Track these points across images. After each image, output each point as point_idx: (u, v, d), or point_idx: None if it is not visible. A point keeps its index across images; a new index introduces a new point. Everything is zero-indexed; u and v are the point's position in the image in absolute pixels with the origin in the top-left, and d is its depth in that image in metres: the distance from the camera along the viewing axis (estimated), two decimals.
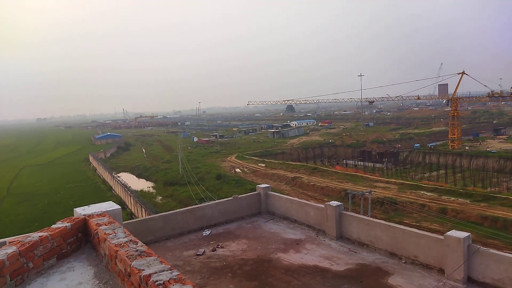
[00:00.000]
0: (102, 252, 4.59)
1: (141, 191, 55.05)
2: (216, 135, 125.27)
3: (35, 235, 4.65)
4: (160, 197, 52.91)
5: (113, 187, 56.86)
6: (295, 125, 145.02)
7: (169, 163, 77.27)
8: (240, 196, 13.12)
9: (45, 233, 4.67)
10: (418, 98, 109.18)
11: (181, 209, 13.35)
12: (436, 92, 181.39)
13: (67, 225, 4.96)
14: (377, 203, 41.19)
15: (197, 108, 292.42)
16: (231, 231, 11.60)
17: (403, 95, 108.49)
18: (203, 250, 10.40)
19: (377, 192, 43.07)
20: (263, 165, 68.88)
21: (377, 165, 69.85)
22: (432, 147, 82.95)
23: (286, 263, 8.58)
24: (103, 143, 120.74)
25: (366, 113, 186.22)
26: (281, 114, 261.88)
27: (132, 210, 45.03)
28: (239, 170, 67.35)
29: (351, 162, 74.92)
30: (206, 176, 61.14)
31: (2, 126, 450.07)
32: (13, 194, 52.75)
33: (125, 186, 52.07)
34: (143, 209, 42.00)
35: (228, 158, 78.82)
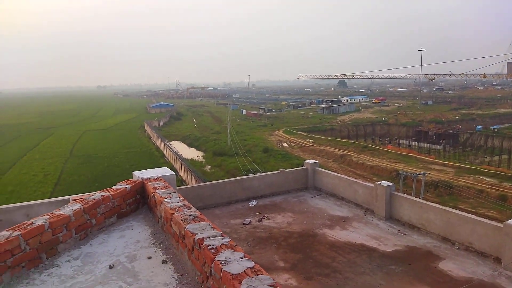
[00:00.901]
0: (158, 214, 4.85)
1: (191, 159, 57.10)
2: (264, 108, 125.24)
3: (98, 194, 5.01)
4: (209, 167, 54.60)
5: (165, 154, 59.50)
6: (347, 101, 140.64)
7: (218, 134, 79.00)
8: (287, 170, 13.16)
9: (107, 193, 5.01)
10: (484, 77, 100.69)
11: (229, 179, 13.74)
12: (505, 71, 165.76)
13: (126, 186, 5.28)
14: (431, 186, 39.39)
15: (246, 80, 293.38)
16: (277, 204, 11.74)
17: (467, 73, 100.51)
18: (250, 220, 10.68)
19: (431, 174, 41.12)
20: (310, 140, 68.18)
21: (434, 146, 66.29)
22: (495, 130, 76.80)
23: (331, 239, 8.56)
24: (157, 111, 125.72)
25: (425, 90, 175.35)
26: (332, 89, 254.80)
27: (183, 177, 47.04)
28: (286, 145, 67.29)
29: (404, 142, 71.72)
30: (253, 148, 61.86)
31: (66, 91, 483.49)
32: (76, 156, 57.06)
33: (176, 154, 54.27)
34: (192, 177, 43.72)
35: (276, 132, 78.84)
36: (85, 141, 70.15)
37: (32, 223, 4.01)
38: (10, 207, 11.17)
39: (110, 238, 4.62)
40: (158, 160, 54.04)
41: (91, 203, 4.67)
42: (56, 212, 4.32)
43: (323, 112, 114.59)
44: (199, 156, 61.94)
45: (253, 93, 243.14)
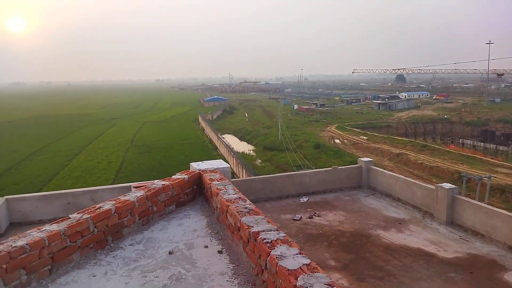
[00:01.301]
0: (214, 205, 4.99)
1: (243, 153, 57.95)
2: (316, 103, 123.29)
3: (158, 183, 5.27)
4: (260, 161, 55.08)
5: (218, 147, 60.99)
6: (405, 97, 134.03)
7: (269, 128, 79.27)
8: (340, 167, 12.89)
9: (167, 182, 5.25)
10: None
11: (280, 174, 13.75)
12: None
13: (185, 177, 5.50)
14: (497, 191, 36.46)
15: (299, 75, 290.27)
16: (328, 201, 11.56)
17: None
18: (300, 216, 10.62)
19: (497, 178, 38.05)
20: (365, 137, 66.06)
21: (501, 147, 61.18)
22: None
23: (386, 241, 8.26)
24: (211, 105, 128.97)
25: (492, 87, 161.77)
26: (389, 84, 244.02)
27: (234, 170, 47.99)
28: (339, 141, 65.83)
29: (469, 142, 66.92)
30: (304, 144, 61.30)
31: (128, 85, 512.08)
32: (136, 146, 60.31)
33: (228, 147, 55.41)
34: (243, 170, 44.40)
35: (328, 128, 77.36)
36: (145, 132, 73.90)
37: (100, 207, 4.32)
38: (77, 191, 12.14)
39: (170, 225, 4.85)
40: (211, 152, 55.52)
41: (153, 191, 4.93)
42: (122, 198, 4.62)
43: (379, 108, 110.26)
44: (250, 150, 62.67)
45: (305, 88, 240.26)
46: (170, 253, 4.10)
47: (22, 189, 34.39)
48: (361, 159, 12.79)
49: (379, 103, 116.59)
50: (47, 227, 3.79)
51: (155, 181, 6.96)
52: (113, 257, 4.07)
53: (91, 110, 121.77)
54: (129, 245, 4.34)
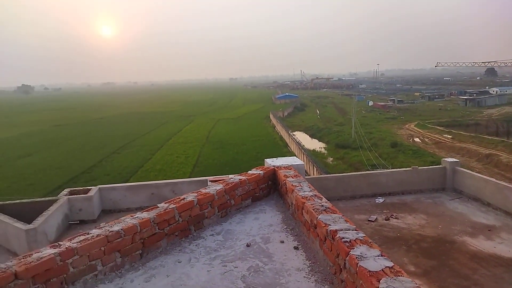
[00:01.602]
0: (289, 201, 5.04)
1: (313, 150, 57.29)
2: (393, 99, 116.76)
3: (235, 178, 5.46)
4: (331, 159, 53.95)
5: (288, 144, 61.09)
6: (496, 92, 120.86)
7: (341, 126, 77.21)
8: (421, 168, 12.16)
9: (244, 177, 5.43)
10: None
11: (354, 173, 13.35)
12: None
13: (260, 172, 5.63)
14: None
15: (374, 70, 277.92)
16: (407, 203, 10.97)
17: None
18: (375, 217, 10.24)
19: None
20: (449, 136, 60.99)
21: None
22: None
23: (473, 248, 7.60)
24: (282, 102, 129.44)
25: None
26: (478, 78, 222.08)
27: (305, 168, 47.58)
28: (419, 140, 61.68)
29: None
30: (379, 142, 58.57)
31: (203, 84, 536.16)
32: (211, 142, 62.96)
33: (299, 144, 55.19)
34: (314, 168, 43.91)
35: (406, 126, 72.89)
36: (219, 129, 76.85)
37: (184, 198, 4.63)
38: (160, 183, 13.10)
39: (246, 219, 5.01)
40: (281, 149, 55.81)
41: (231, 185, 5.13)
42: (203, 191, 4.89)
43: (466, 104, 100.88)
44: (321, 148, 61.69)
45: (381, 83, 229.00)
46: (247, 245, 4.25)
47: (112, 180, 38.06)
48: (446, 159, 11.90)
49: (466, 99, 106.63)
50: (139, 214, 4.16)
51: (232, 175, 7.20)
52: (196, 245, 4.34)
53: (171, 107, 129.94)
54: (210, 235, 4.58)
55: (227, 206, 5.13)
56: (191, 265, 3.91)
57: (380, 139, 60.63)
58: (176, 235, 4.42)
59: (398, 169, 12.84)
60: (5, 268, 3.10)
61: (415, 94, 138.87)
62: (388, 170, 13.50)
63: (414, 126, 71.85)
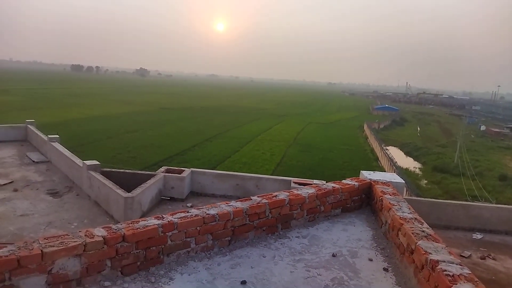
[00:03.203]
0: (383, 219, 4.77)
1: (406, 169, 53.49)
2: (511, 127, 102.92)
3: (329, 185, 5.35)
4: (426, 181, 49.74)
5: (379, 158, 58.04)
6: None
7: (443, 148, 70.67)
8: None
9: (337, 186, 5.29)
10: None
11: (453, 201, 12.29)
12: None
13: (355, 183, 5.43)
14: None
15: (493, 92, 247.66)
16: (510, 246, 9.72)
17: None
18: (470, 253, 9.34)
19: None
20: None
21: None
22: None
23: None
24: (380, 114, 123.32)
25: None
26: None
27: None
28: None
29: None
30: (486, 172, 52.22)
31: (301, 85, 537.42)
32: (298, 144, 62.91)
33: (391, 160, 52.04)
34: (404, 189, 41.02)
35: None
36: (308, 132, 76.45)
37: (276, 195, 4.68)
38: (245, 176, 13.53)
39: (334, 228, 4.88)
40: (371, 162, 53.27)
41: (323, 191, 5.04)
42: (295, 191, 4.89)
43: None
44: (415, 168, 57.30)
45: (499, 107, 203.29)
46: (333, 255, 4.13)
47: (201, 165, 40.49)
48: None
49: None
50: (233, 203, 4.33)
51: (319, 181, 7.07)
52: (281, 244, 4.36)
53: (266, 105, 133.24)
54: (295, 237, 4.56)
55: (316, 212, 5.05)
56: (274, 262, 3.94)
57: (487, 169, 54.07)
58: (264, 230, 4.50)
59: (506, 206, 11.50)
60: (116, 229, 3.49)
61: None
62: (494, 205, 12.15)
63: None
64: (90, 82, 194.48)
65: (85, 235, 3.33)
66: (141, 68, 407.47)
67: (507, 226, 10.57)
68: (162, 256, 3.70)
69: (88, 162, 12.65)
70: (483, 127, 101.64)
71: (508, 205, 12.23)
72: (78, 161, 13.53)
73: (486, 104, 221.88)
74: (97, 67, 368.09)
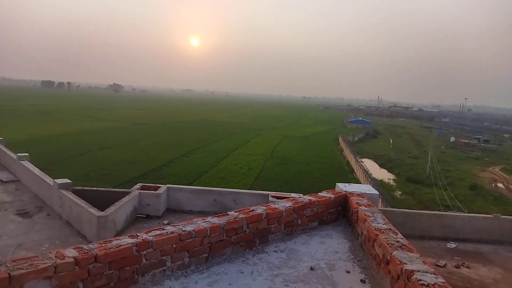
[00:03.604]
0: (359, 231, 4.82)
1: (381, 181, 54.63)
2: (479, 138, 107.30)
3: (305, 198, 5.38)
4: (400, 192, 50.92)
5: (355, 170, 59.05)
6: None
7: (416, 159, 72.82)
8: (504, 217, 11.07)
9: (314, 198, 5.33)
10: None
11: (426, 211, 12.59)
12: None
13: (331, 196, 5.48)
14: None
15: (461, 104, 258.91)
16: (482, 254, 10.04)
17: None
18: (445, 262, 9.56)
19: None
20: None
21: None
22: None
23: None
24: (354, 127, 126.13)
25: None
26: None
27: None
28: (502, 186, 55.77)
29: None
30: (457, 182, 54.04)
31: (276, 100, 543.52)
32: (275, 157, 63.25)
33: (366, 172, 53.04)
34: (380, 199, 41.79)
35: (490, 169, 66.50)
36: (284, 145, 77.04)
37: (253, 210, 4.66)
38: (223, 191, 13.42)
39: (311, 241, 4.89)
40: (346, 175, 54.10)
41: (300, 204, 5.06)
42: (272, 205, 4.89)
43: None
44: (389, 179, 58.63)
45: (467, 119, 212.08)
46: (311, 269, 4.13)
47: (177, 181, 39.93)
48: None
49: None
50: (210, 219, 4.28)
51: (296, 194, 7.14)
52: (259, 259, 4.32)
53: (243, 119, 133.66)
54: (273, 251, 4.54)
55: (293, 225, 5.06)
56: (253, 278, 3.90)
57: (458, 179, 55.99)
58: (241, 245, 4.46)
59: (478, 215, 11.89)
60: (88, 250, 3.37)
61: (505, 135, 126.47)
62: (466, 214, 12.52)
63: (499, 170, 65.28)
64: (61, 98, 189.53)
65: (55, 256, 3.20)
66: (114, 83, 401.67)
67: (479, 234, 10.90)
68: (136, 276, 3.59)
69: (59, 181, 12.23)
70: (452, 139, 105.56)
71: (479, 214, 12.61)
72: (48, 179, 13.05)
73: (454, 116, 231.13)
74: (68, 82, 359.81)
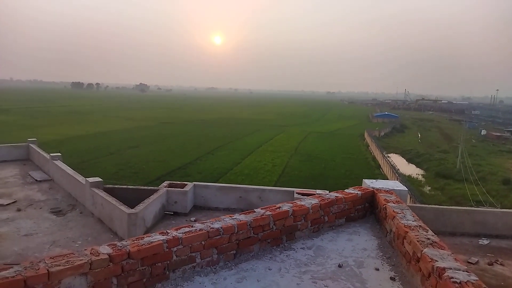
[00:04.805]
0: (388, 228, 4.75)
1: (409, 176, 53.35)
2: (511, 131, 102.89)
3: (332, 195, 5.35)
4: (429, 188, 49.55)
5: (381, 166, 57.91)
6: None
7: (445, 153, 70.57)
8: None
9: (340, 195, 5.28)
10: None
11: (457, 207, 12.24)
12: None
13: (358, 192, 5.43)
14: None
15: (492, 96, 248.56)
16: None
17: None
18: (477, 259, 9.31)
19: None
20: None
21: None
22: None
23: None
24: (379, 121, 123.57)
25: None
26: None
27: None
28: None
29: None
30: (488, 177, 52.02)
31: (300, 95, 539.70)
32: (299, 153, 62.88)
33: (393, 168, 51.89)
34: (408, 195, 40.81)
35: None
36: (309, 142, 76.49)
37: (280, 207, 4.68)
38: (248, 188, 13.50)
39: (339, 238, 4.86)
40: (373, 170, 53.14)
41: (326, 201, 5.04)
42: (298, 202, 4.89)
43: None
44: (418, 174, 57.14)
45: (499, 112, 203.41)
46: (339, 266, 4.11)
47: (203, 178, 40.46)
48: None
49: None
50: (237, 216, 4.34)
51: (322, 191, 7.09)
52: (286, 256, 4.35)
53: (266, 116, 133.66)
54: (300, 248, 4.55)
55: (320, 222, 5.04)
56: (281, 274, 3.92)
57: (490, 173, 53.88)
58: (269, 242, 4.49)
59: (511, 210, 11.44)
60: (121, 246, 3.49)
61: None
62: (499, 210, 12.10)
63: None
64: (91, 99, 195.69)
65: (90, 253, 3.34)
66: (141, 83, 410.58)
67: None
68: (168, 272, 3.70)
69: (91, 179, 12.68)
70: (483, 132, 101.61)
71: (511, 209, 12.17)
72: (80, 178, 13.55)
73: (485, 109, 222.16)
74: (97, 84, 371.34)
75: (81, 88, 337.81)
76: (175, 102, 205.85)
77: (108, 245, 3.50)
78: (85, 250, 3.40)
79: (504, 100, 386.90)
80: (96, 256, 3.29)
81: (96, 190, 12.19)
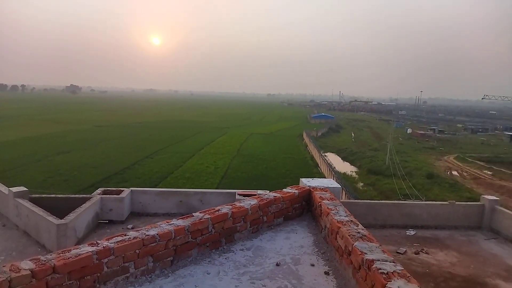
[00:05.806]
0: (323, 224, 4.95)
1: (344, 173, 56.20)
2: (434, 129, 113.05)
3: (270, 194, 5.44)
4: (362, 184, 52.66)
5: (319, 165, 60.34)
6: None
7: (376, 151, 75.50)
8: (458, 203, 11.69)
9: (279, 195, 5.40)
10: None
11: (386, 201, 13.01)
12: None
13: (295, 191, 5.58)
14: None
15: (416, 97, 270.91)
16: (439, 239, 10.57)
17: None
18: (405, 249, 9.98)
19: None
20: (489, 172, 58.10)
21: None
22: None
23: None
24: (317, 122, 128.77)
25: None
26: None
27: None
28: (457, 173, 59.12)
29: None
30: (414, 172, 56.64)
31: (241, 97, 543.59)
32: (241, 155, 63.31)
33: (330, 166, 54.34)
34: (343, 192, 42.96)
35: (445, 158, 70.22)
36: (251, 143, 77.28)
37: (219, 210, 4.65)
38: (188, 191, 13.24)
39: (277, 237, 4.96)
40: (311, 169, 55.18)
41: (265, 201, 5.11)
42: (237, 204, 4.90)
43: (511, 140, 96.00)
44: (352, 172, 60.47)
45: (422, 112, 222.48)
46: (277, 264, 4.19)
47: (142, 183, 38.99)
48: (486, 196, 11.34)
49: (511, 134, 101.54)
50: (175, 221, 4.23)
51: (262, 191, 7.19)
52: (225, 258, 4.33)
53: (207, 118, 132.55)
54: (240, 250, 4.56)
55: (259, 222, 5.10)
56: (219, 278, 3.90)
57: (415, 169, 58.65)
58: (207, 246, 4.44)
59: (434, 202, 12.47)
60: (45, 260, 3.23)
61: (458, 125, 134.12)
62: (423, 202, 13.11)
63: (453, 158, 69.08)
64: (15, 102, 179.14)
65: (10, 269, 3.04)
66: (71, 84, 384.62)
67: (436, 221, 11.44)
68: (98, 285, 3.49)
69: (15, 189, 11.57)
70: (409, 130, 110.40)
71: (436, 201, 13.21)
72: (3, 188, 12.31)
73: (411, 109, 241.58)
74: (22, 85, 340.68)
75: (5, 90, 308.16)
76: (110, 104, 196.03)
77: (30, 260, 3.22)
78: (4, 266, 3.09)
79: (427, 101, 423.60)
80: (16, 272, 3.00)
81: (21, 201, 11.16)
